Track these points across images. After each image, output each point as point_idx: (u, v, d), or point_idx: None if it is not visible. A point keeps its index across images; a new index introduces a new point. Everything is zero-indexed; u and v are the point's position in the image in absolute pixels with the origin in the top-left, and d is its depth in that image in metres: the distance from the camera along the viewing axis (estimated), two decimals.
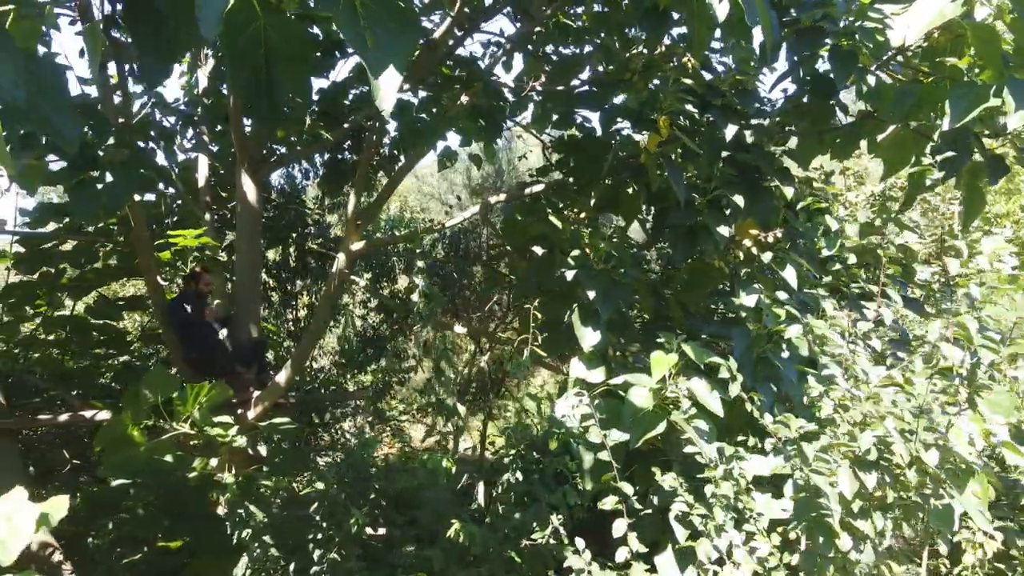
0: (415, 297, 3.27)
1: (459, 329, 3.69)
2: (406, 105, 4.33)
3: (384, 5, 1.45)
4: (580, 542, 2.26)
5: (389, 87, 1.41)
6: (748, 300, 2.90)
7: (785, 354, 2.82)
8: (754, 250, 2.93)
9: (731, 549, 2.10)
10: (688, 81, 2.78)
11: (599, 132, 3.38)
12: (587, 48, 4.53)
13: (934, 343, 2.44)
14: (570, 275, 2.88)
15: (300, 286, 8.87)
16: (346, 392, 8.10)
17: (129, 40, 2.47)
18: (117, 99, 3.41)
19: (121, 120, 2.81)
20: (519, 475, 2.95)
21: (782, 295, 2.85)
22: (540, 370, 13.49)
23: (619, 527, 2.20)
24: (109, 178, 2.30)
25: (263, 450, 4.81)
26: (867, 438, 2.01)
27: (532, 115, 5.28)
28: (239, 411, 4.70)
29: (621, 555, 2.18)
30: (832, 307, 3.12)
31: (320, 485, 3.78)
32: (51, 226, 5.26)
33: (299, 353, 4.71)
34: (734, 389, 2.47)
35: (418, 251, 3.20)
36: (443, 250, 9.29)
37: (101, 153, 2.27)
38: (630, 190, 4.28)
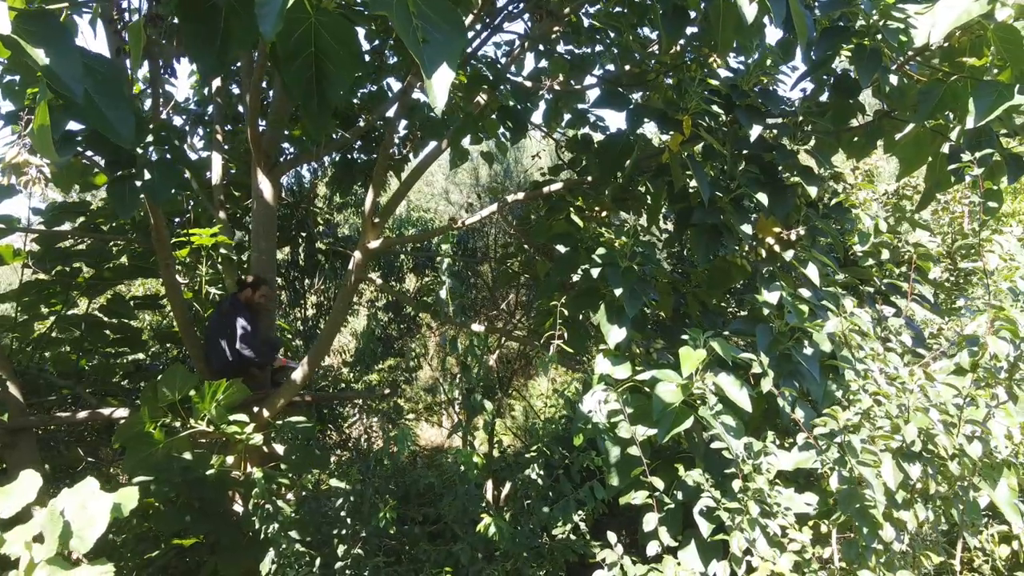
0: (443, 294, 3.28)
1: (477, 328, 3.71)
2: (417, 105, 4.37)
3: (434, 5, 1.48)
4: (612, 536, 2.29)
5: (442, 85, 1.43)
6: (771, 297, 2.92)
7: (808, 351, 2.85)
8: (777, 248, 2.95)
9: (769, 541, 2.12)
10: (714, 82, 2.81)
11: (614, 131, 3.39)
12: (597, 47, 4.56)
13: (982, 337, 2.45)
14: (595, 272, 2.90)
15: (308, 285, 8.90)
16: (362, 390, 8.12)
17: (164, 39, 2.50)
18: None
19: (161, 119, 2.83)
20: (540, 470, 2.98)
21: (805, 292, 2.87)
22: (541, 372, 13.51)
23: (650, 521, 2.22)
24: (142, 177, 2.32)
25: (278, 448, 4.84)
26: (912, 430, 2.03)
27: (544, 115, 5.31)
28: (254, 409, 4.72)
29: (652, 549, 2.20)
30: (852, 304, 3.15)
31: (335, 481, 3.80)
32: (65, 225, 5.29)
33: (315, 351, 4.73)
34: (766, 384, 2.49)
35: (444, 248, 3.20)
36: (450, 249, 9.32)
37: (140, 151, 2.30)
38: (644, 189, 4.33)
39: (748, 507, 2.11)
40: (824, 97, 3.57)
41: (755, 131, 2.77)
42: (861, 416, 2.23)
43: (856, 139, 3.68)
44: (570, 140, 4.91)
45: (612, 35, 4.36)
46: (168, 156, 2.39)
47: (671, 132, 2.79)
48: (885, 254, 3.27)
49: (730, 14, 2.61)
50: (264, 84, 5.60)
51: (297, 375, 4.64)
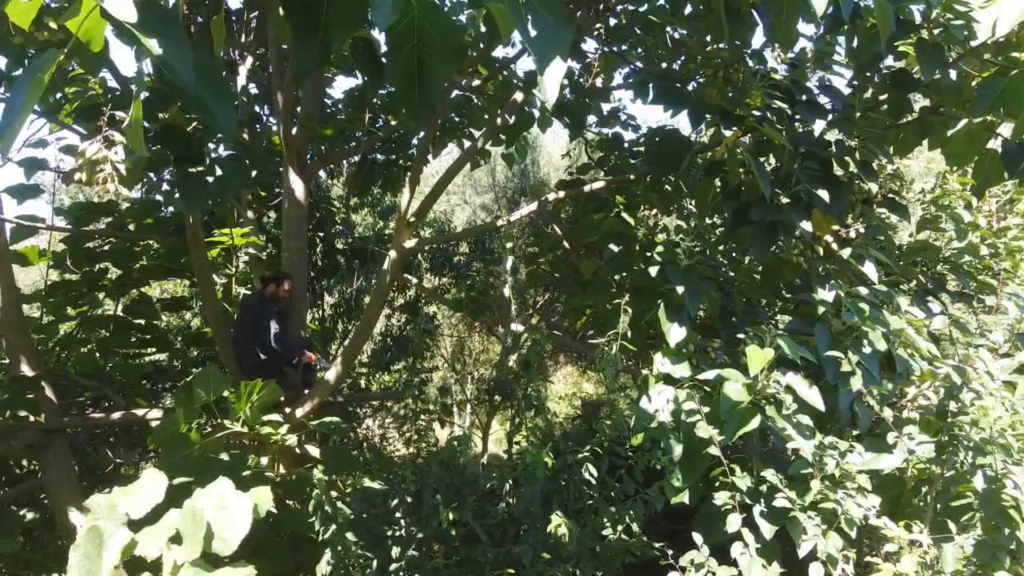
0: (506, 292, 3.25)
1: (517, 327, 3.68)
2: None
3: None
4: (698, 537, 2.26)
5: (554, 79, 1.41)
6: (827, 296, 2.89)
7: (867, 350, 2.81)
8: (834, 245, 2.92)
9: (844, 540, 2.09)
10: (777, 76, 2.78)
11: (670, 128, 3.37)
12: (623, 46, 4.53)
13: None
14: (653, 271, 2.87)
15: (326, 285, 8.88)
16: (390, 391, 8.13)
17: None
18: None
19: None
20: (593, 470, 2.95)
21: (863, 290, 2.84)
22: (557, 371, 13.49)
23: (733, 522, 2.19)
24: (213, 173, 2.30)
25: (311, 449, 4.81)
26: None
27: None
28: (287, 410, 4.70)
29: (736, 551, 2.17)
30: (907, 303, 3.12)
31: (367, 482, 3.77)
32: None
33: (349, 350, 4.70)
34: (856, 383, 2.46)
35: (507, 246, 3.16)
36: (467, 248, 9.29)
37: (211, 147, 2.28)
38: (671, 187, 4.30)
39: (847, 507, 2.08)
40: (867, 94, 3.55)
41: (818, 126, 2.74)
42: (974, 416, 2.19)
43: (901, 135, 3.65)
44: (601, 139, 4.88)
45: (639, 32, 4.32)
46: (238, 153, 2.37)
47: (733, 128, 2.76)
48: (984, 250, 3.24)
49: (794, 7, 2.58)
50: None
51: (330, 375, 4.61)
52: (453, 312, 8.72)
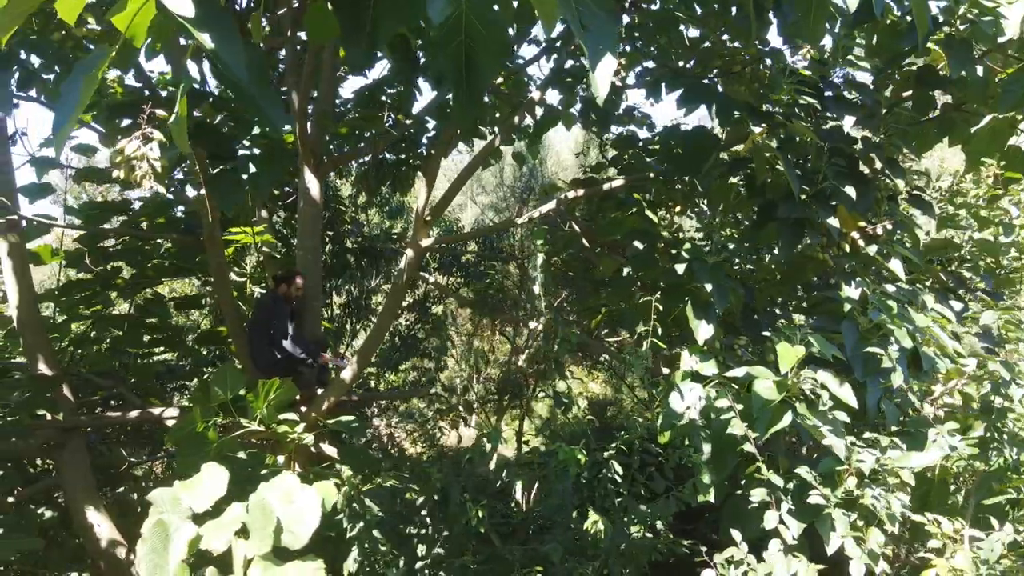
0: (536, 289, 3.24)
1: (534, 325, 3.67)
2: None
3: None
4: (736, 534, 2.25)
5: (605, 74, 1.40)
6: (853, 292, 2.89)
7: (894, 347, 2.81)
8: (860, 242, 2.92)
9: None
10: (806, 72, 2.77)
11: (695, 126, 3.35)
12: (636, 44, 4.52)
13: None
14: (680, 268, 2.86)
15: (335, 285, 8.88)
16: (397, 390, 8.13)
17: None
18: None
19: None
20: (619, 468, 2.94)
21: (890, 288, 2.83)
22: (566, 371, 13.47)
23: (771, 519, 2.19)
24: (247, 169, 2.29)
25: (325, 447, 4.81)
26: None
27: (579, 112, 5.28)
28: (302, 408, 4.69)
29: (774, 547, 2.16)
30: (932, 300, 3.11)
31: (379, 479, 3.76)
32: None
33: (365, 349, 4.69)
34: (897, 379, 2.46)
35: (539, 243, 3.15)
36: (475, 247, 9.28)
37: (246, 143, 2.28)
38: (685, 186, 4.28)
39: (890, 502, 2.07)
40: (887, 91, 3.54)
41: (848, 121, 2.73)
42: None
43: (921, 132, 3.64)
44: (617, 138, 4.86)
45: (652, 30, 4.30)
46: (272, 150, 2.36)
47: (762, 125, 2.75)
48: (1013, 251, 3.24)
49: (823, 4, 2.58)
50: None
51: (346, 374, 4.61)
52: (465, 309, 8.72)
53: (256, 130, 2.37)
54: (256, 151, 2.33)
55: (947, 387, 2.98)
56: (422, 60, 4.07)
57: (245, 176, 2.26)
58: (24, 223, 4.30)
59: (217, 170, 2.29)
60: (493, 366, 9.80)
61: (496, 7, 1.46)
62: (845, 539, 2.40)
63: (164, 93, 3.89)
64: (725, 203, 3.39)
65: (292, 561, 1.49)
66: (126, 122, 3.58)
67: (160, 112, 1.76)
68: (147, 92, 3.38)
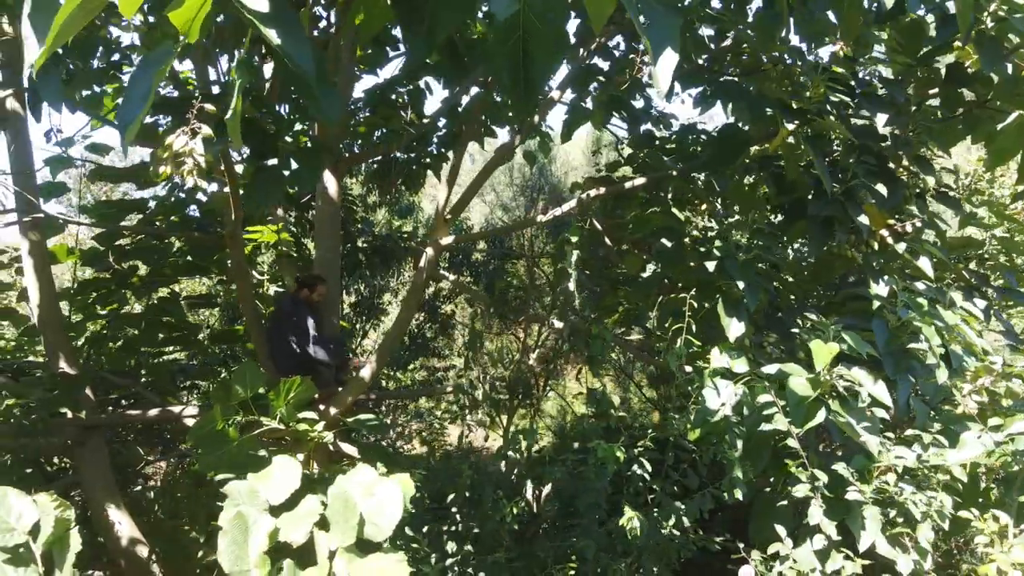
0: (571, 286, 3.25)
1: (558, 324, 3.67)
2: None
3: None
4: (781, 529, 2.26)
5: (667, 68, 1.40)
6: (881, 290, 2.89)
7: (924, 344, 2.81)
8: (890, 240, 2.92)
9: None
10: (839, 69, 2.78)
11: (728, 123, 3.33)
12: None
13: None
14: (711, 266, 2.87)
15: (345, 284, 8.88)
16: (405, 389, 8.13)
17: None
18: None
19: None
20: (648, 465, 2.94)
21: (919, 285, 2.84)
22: (571, 371, 13.50)
23: (815, 515, 2.19)
24: (288, 166, 2.29)
25: (345, 446, 4.81)
26: None
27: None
28: (321, 407, 4.69)
29: (819, 543, 2.17)
30: (960, 298, 3.11)
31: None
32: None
33: (383, 348, 4.70)
34: (942, 376, 2.46)
35: (576, 239, 3.15)
36: (486, 245, 9.29)
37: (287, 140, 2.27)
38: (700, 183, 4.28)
39: (941, 499, 2.07)
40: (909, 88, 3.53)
41: (881, 119, 2.74)
42: None
43: (946, 129, 3.64)
44: (632, 136, 4.86)
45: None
46: (313, 147, 2.37)
47: (795, 122, 2.75)
48: None
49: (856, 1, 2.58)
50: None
51: (365, 372, 4.61)
52: (472, 308, 8.72)
53: (297, 127, 2.38)
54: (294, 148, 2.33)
55: (976, 385, 2.98)
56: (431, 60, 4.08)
57: (286, 173, 2.27)
58: (46, 221, 4.31)
59: (259, 166, 2.30)
60: (503, 365, 9.81)
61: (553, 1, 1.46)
62: (878, 536, 2.41)
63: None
64: (743, 202, 3.39)
65: (374, 553, 1.50)
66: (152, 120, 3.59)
67: (209, 107, 1.76)
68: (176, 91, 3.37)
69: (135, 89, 1.34)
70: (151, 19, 2.93)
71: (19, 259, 5.37)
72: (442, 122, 5.81)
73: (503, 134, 5.57)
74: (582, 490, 2.74)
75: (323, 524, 1.52)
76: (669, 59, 1.40)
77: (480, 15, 2.03)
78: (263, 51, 3.25)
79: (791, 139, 2.82)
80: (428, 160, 6.63)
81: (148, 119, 5.02)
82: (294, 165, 2.20)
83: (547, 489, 5.90)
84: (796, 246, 3.76)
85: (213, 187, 5.10)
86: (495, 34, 1.47)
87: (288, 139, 2.41)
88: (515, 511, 2.63)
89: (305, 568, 1.44)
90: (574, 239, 3.21)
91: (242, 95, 1.58)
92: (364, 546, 1.51)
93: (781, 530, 2.26)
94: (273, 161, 2.25)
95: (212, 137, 1.82)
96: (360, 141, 5.63)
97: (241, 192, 2.60)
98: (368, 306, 9.00)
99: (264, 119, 2.32)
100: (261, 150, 2.26)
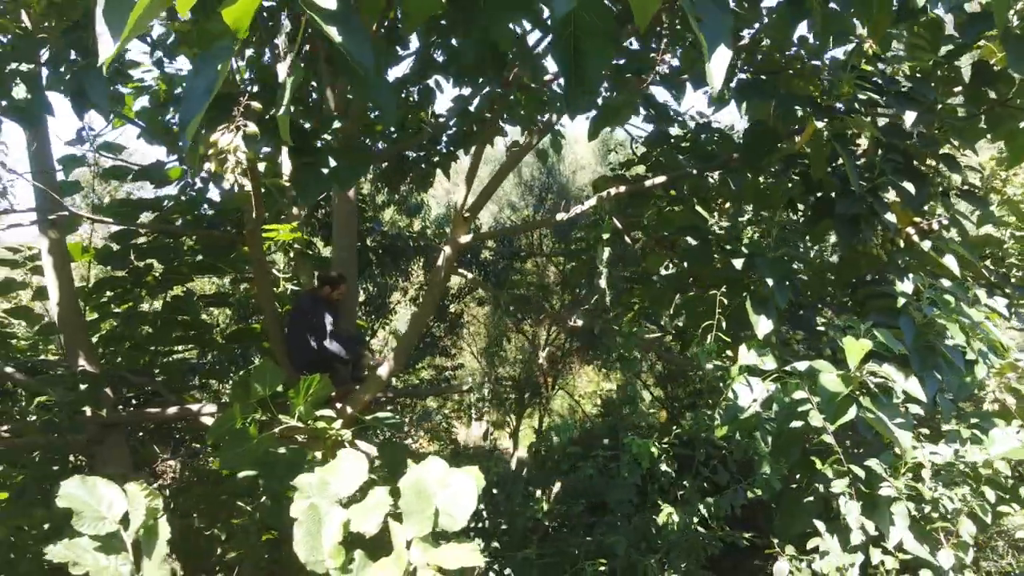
0: (602, 283, 3.25)
1: (579, 322, 3.68)
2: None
3: None
4: (820, 524, 2.27)
5: (720, 65, 1.42)
6: (907, 288, 2.90)
7: (950, 342, 2.82)
8: (915, 238, 2.93)
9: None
10: (867, 67, 2.79)
11: (755, 121, 3.33)
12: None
13: None
14: (738, 263, 2.88)
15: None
16: (411, 388, 8.14)
17: None
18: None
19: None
20: (672, 463, 2.95)
21: (945, 283, 2.84)
22: (580, 370, 13.51)
23: (852, 511, 2.20)
24: (327, 164, 2.30)
25: (362, 444, 4.82)
26: None
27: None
28: (338, 406, 4.71)
29: (856, 538, 2.18)
30: (984, 296, 3.12)
31: None
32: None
33: (401, 346, 4.71)
34: (981, 371, 2.47)
35: (607, 236, 3.16)
36: (494, 244, 9.31)
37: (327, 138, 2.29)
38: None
39: (985, 493, 2.08)
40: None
41: (909, 117, 2.74)
42: None
43: (968, 127, 3.65)
44: (647, 135, 4.87)
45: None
46: (353, 144, 2.37)
47: (824, 119, 2.76)
48: None
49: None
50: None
51: (383, 370, 4.62)
52: (482, 308, 8.74)
53: (337, 124, 2.39)
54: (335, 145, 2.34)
55: (1000, 381, 2.99)
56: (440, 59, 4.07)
57: (326, 170, 2.28)
58: (64, 219, 4.32)
59: (300, 163, 2.31)
60: (511, 364, 9.84)
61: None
62: (906, 532, 2.42)
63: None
64: (758, 201, 3.40)
65: (450, 543, 1.51)
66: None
67: (256, 105, 1.77)
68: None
69: (196, 86, 1.35)
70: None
71: (33, 258, 5.40)
72: (451, 120, 5.82)
73: (511, 133, 5.59)
74: (612, 486, 2.75)
75: (395, 515, 1.53)
76: (723, 56, 1.41)
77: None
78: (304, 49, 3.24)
79: (817, 137, 2.83)
80: (437, 159, 6.64)
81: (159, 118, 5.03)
82: (332, 163, 2.21)
83: (557, 487, 5.92)
84: (815, 244, 3.76)
85: (226, 185, 5.12)
86: (551, 30, 1.49)
87: (327, 137, 2.41)
88: (547, 507, 2.65)
89: (376, 558, 1.46)
90: (606, 236, 3.22)
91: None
92: (438, 536, 1.53)
93: (820, 525, 2.27)
94: (311, 159, 2.27)
95: (257, 134, 1.83)
96: (379, 140, 5.64)
97: (288, 184, 2.60)
98: (377, 305, 9.02)
99: (306, 116, 2.33)
100: (301, 147, 2.27)
